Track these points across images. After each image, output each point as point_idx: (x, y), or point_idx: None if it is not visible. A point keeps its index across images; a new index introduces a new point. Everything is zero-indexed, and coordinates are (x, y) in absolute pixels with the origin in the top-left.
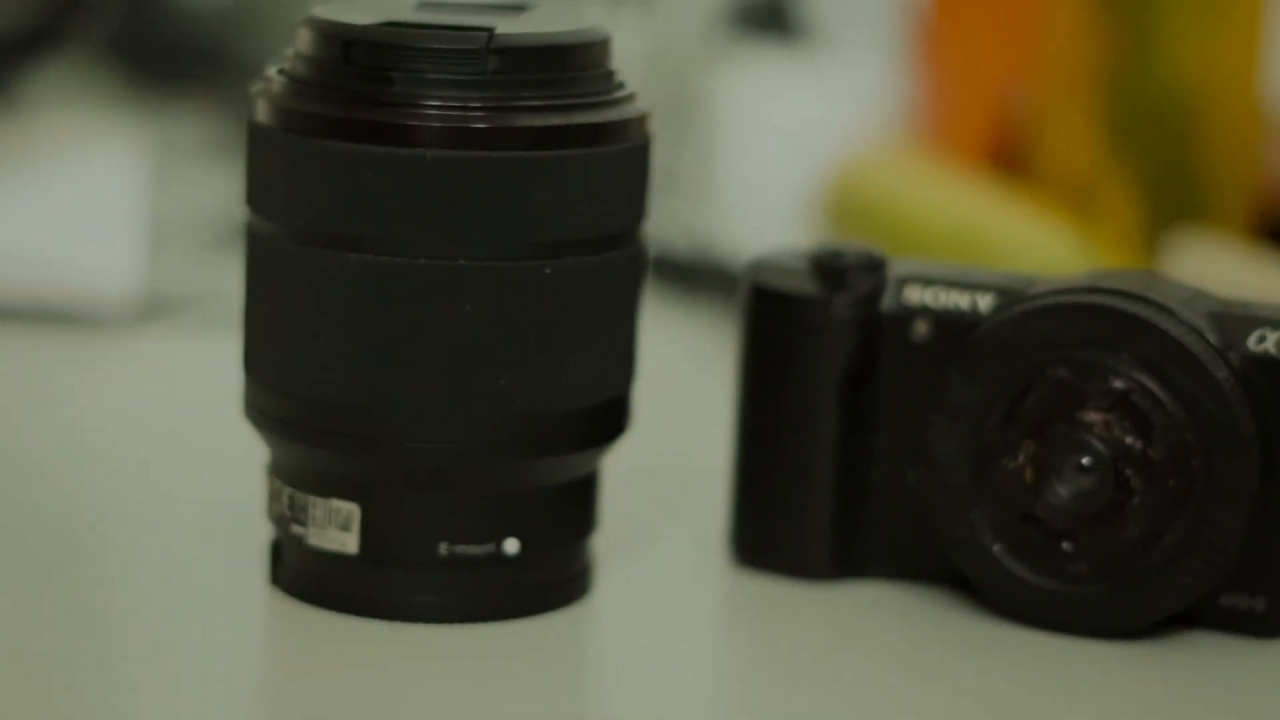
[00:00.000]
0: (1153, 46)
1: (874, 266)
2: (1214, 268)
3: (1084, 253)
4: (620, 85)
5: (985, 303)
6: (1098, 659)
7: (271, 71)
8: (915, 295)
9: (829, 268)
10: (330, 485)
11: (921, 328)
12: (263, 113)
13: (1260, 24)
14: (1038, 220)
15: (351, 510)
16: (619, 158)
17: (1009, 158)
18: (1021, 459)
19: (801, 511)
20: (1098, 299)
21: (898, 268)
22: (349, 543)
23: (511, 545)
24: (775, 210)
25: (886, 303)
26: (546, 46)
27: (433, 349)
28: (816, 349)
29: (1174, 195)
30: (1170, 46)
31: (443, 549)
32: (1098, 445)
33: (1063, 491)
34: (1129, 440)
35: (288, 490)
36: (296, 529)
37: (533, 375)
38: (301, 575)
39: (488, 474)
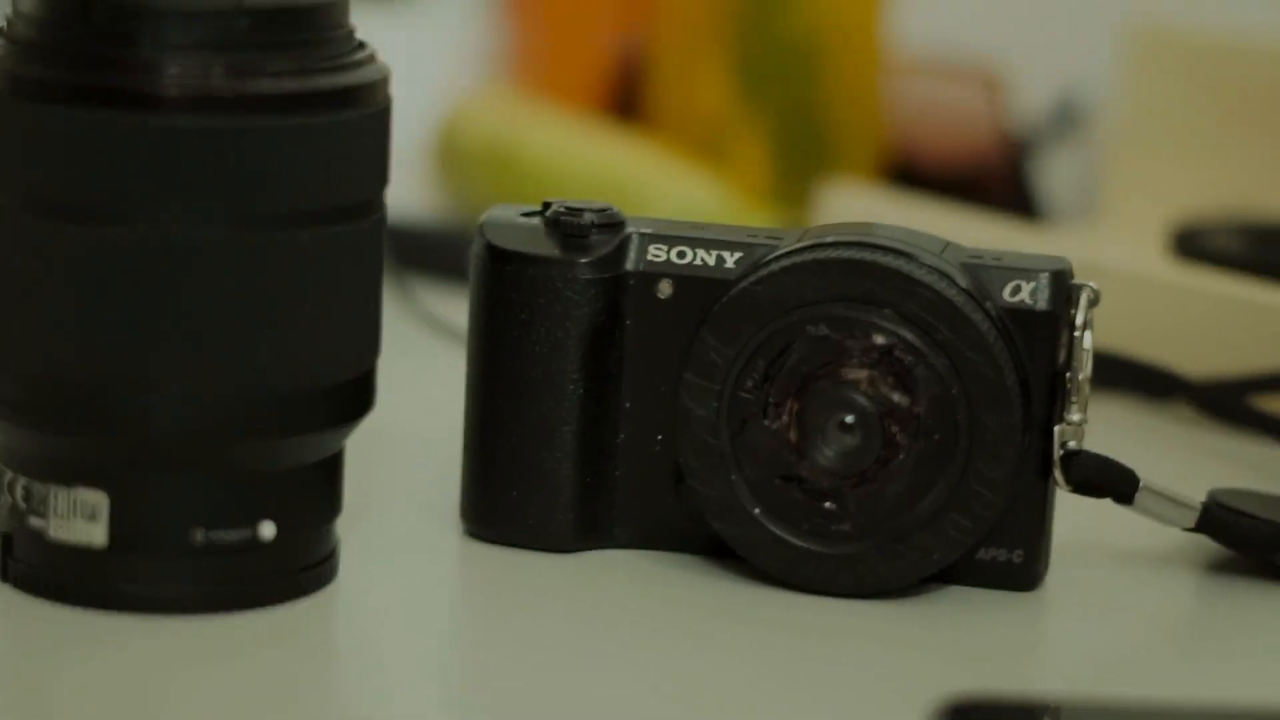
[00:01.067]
0: None
1: (614, 225)
2: (869, 213)
3: (719, 199)
4: (362, 45)
5: (731, 260)
6: (862, 618)
7: None
8: (659, 254)
9: (569, 226)
10: (73, 473)
11: (666, 287)
12: None
13: None
14: (672, 166)
15: (98, 500)
16: (367, 122)
17: (624, 103)
18: (784, 419)
19: (545, 480)
20: (856, 254)
21: (638, 226)
22: (96, 534)
23: (267, 529)
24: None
25: (630, 262)
26: (294, 8)
27: (179, 326)
28: (560, 311)
29: (802, 141)
30: None
31: (198, 536)
32: (862, 402)
33: (827, 450)
34: (893, 396)
35: (22, 480)
36: (35, 521)
37: (285, 351)
38: (39, 570)
39: (242, 455)
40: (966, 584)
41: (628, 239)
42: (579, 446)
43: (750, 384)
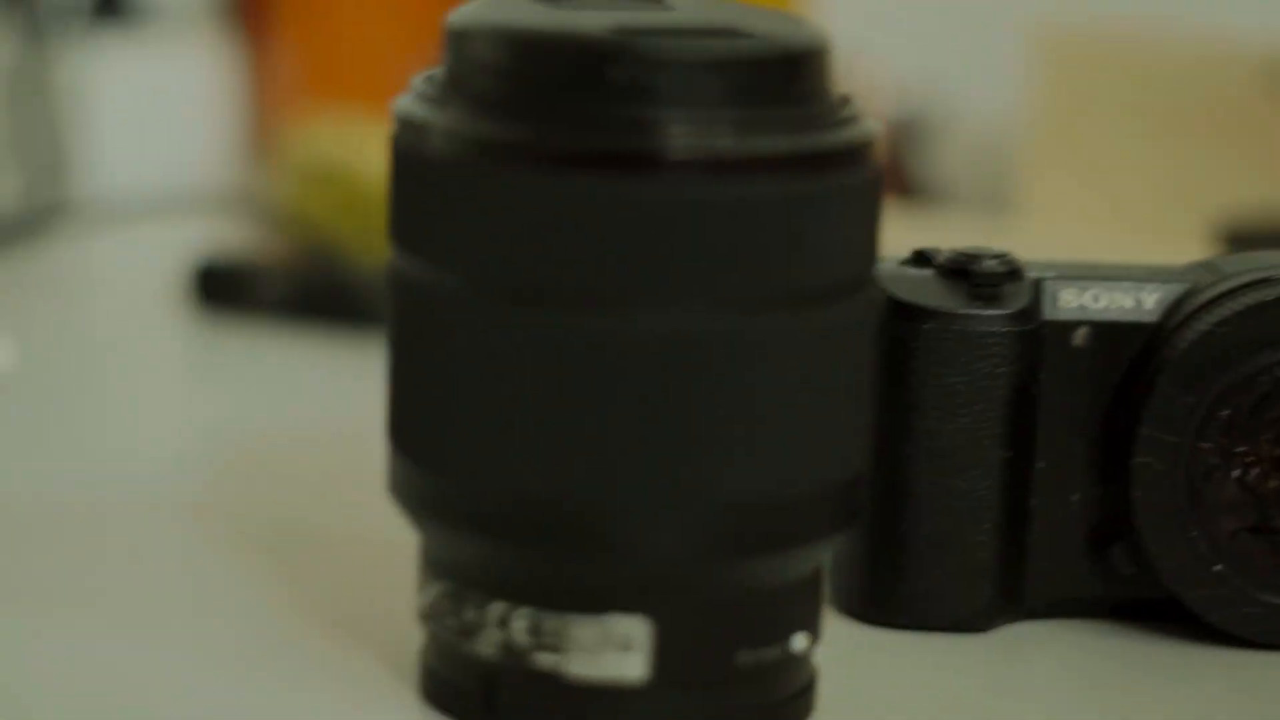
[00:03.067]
0: None
1: (1016, 271)
2: None
3: None
4: (849, 99)
5: (1150, 301)
6: None
7: (426, 86)
8: (1072, 299)
9: (978, 276)
10: (602, 600)
11: (1082, 336)
12: (437, 139)
13: None
14: None
15: (637, 627)
16: (870, 185)
17: None
18: (1258, 468)
19: (970, 557)
20: None
21: (1039, 270)
22: (633, 666)
23: (800, 641)
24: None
25: (1044, 311)
26: (787, 56)
27: (700, 427)
28: (986, 371)
29: None
30: None
31: (742, 657)
32: None
33: None
34: None
35: (526, 611)
36: (546, 658)
37: (818, 446)
38: (547, 713)
39: (771, 566)
40: None
41: (1039, 285)
42: (1002, 518)
43: (1211, 433)
